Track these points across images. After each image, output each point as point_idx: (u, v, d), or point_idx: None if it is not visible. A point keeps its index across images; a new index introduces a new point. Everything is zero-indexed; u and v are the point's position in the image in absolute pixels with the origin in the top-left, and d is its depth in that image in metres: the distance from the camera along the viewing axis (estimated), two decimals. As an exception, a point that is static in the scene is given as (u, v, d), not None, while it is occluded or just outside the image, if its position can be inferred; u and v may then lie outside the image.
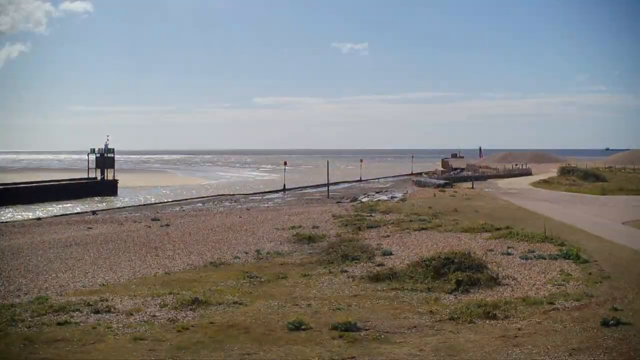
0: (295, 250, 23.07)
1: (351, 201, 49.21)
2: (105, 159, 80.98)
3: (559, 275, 16.64)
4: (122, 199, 65.40)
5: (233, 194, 66.68)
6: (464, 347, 10.61)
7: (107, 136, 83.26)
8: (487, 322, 12.28)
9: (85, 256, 21.86)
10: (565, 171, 71.06)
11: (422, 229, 27.16)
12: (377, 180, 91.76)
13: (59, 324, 12.24)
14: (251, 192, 69.82)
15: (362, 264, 19.42)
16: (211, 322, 12.42)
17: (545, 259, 19.15)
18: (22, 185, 70.29)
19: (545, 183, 60.77)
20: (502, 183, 64.72)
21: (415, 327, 12.09)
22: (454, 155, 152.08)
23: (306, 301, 14.51)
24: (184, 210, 46.92)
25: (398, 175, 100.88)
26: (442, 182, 63.24)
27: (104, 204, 60.41)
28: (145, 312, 13.26)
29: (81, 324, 12.29)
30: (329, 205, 45.08)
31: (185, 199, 61.23)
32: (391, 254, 21.01)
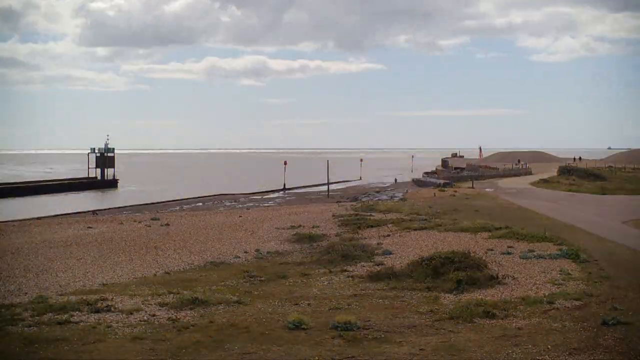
0: (295, 250, 23.07)
1: (351, 201, 49.20)
2: (105, 158, 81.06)
3: (558, 275, 16.63)
4: (122, 193, 66.69)
5: (233, 194, 66.68)
6: (463, 347, 10.61)
7: (107, 136, 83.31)
8: (487, 321, 12.27)
9: (86, 256, 21.83)
10: (565, 171, 71.06)
11: (422, 228, 27.14)
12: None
13: (59, 323, 12.23)
14: (251, 191, 69.81)
15: (362, 263, 19.42)
16: (211, 322, 12.43)
17: (545, 258, 19.14)
18: (26, 185, 74.83)
19: (545, 183, 60.77)
20: (502, 183, 64.69)
21: (415, 326, 12.09)
22: (454, 155, 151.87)
23: (306, 300, 14.51)
24: (184, 210, 46.96)
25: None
26: (442, 181, 63.20)
27: (108, 200, 60.70)
28: (145, 312, 13.26)
29: (81, 324, 12.28)
30: (329, 204, 45.06)
31: (186, 199, 61.22)
32: (391, 253, 21.00)
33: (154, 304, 14.01)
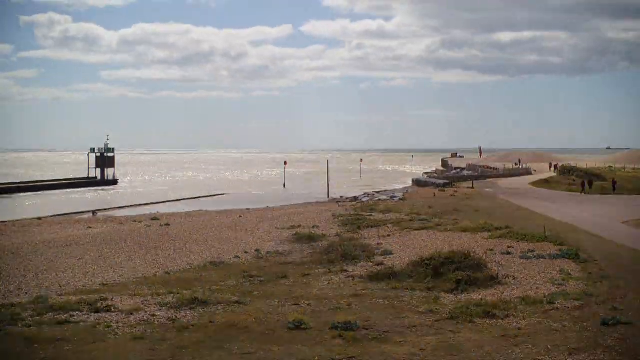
0: (295, 250, 23.07)
1: (351, 201, 49.18)
2: (105, 158, 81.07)
3: (558, 275, 16.63)
4: (122, 193, 67.36)
5: (231, 193, 66.67)
6: (463, 347, 10.61)
7: (107, 136, 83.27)
8: (487, 321, 12.27)
9: (86, 256, 21.84)
10: (565, 171, 70.98)
11: (422, 228, 27.14)
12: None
13: (59, 323, 12.23)
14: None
15: (362, 263, 19.42)
16: (211, 322, 12.42)
17: (545, 258, 19.13)
18: (26, 185, 75.23)
19: (545, 183, 60.65)
20: (502, 183, 64.62)
21: (415, 326, 12.09)
22: (454, 155, 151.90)
23: (306, 300, 14.51)
24: (184, 210, 46.92)
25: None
26: (442, 181, 63.15)
27: (108, 200, 60.80)
28: (145, 312, 13.26)
29: (81, 324, 12.28)
30: (329, 204, 45.06)
31: (186, 199, 61.19)
32: (391, 253, 21.00)
33: (154, 304, 14.01)
